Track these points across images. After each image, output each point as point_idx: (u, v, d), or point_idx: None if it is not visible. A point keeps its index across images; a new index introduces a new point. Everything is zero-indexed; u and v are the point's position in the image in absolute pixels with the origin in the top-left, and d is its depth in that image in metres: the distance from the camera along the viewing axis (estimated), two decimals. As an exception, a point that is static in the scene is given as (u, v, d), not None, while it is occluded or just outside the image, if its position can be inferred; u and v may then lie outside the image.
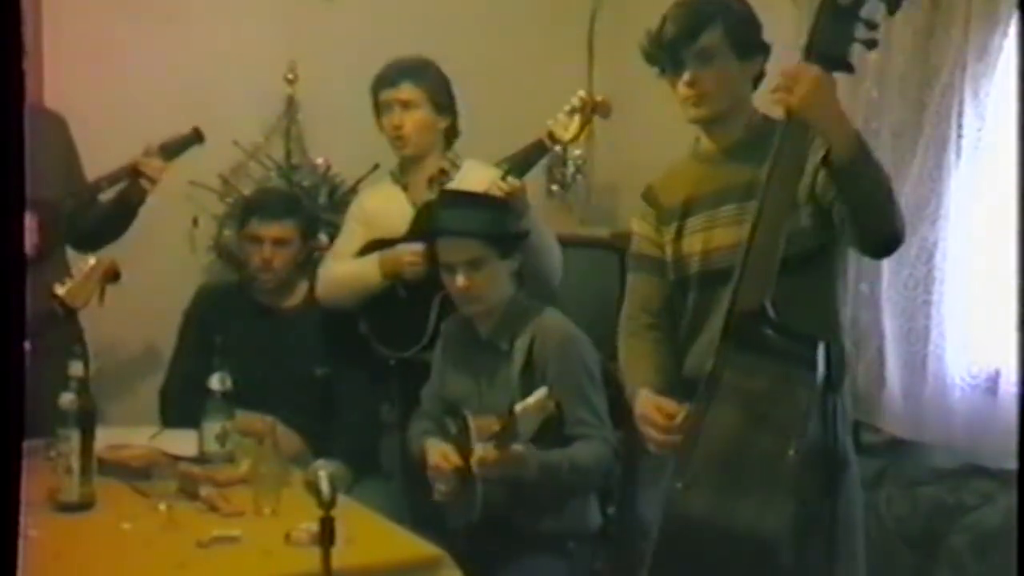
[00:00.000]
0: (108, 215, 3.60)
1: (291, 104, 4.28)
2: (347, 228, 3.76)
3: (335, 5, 4.40)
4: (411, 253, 3.44)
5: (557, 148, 3.47)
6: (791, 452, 2.18)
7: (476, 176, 3.42)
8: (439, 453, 2.97)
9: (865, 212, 2.37)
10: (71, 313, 3.02)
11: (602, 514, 3.15)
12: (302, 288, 3.75)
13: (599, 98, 3.36)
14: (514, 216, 3.16)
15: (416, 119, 3.58)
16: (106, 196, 3.62)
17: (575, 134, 3.36)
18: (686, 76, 2.57)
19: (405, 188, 3.66)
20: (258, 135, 4.26)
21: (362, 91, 3.98)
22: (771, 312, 2.28)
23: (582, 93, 3.35)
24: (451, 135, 3.69)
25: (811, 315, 2.49)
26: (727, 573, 2.27)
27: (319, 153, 4.28)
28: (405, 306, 3.53)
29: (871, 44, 2.37)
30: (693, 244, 2.65)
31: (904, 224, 2.45)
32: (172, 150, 3.64)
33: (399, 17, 4.43)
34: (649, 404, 2.56)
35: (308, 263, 3.80)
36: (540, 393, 2.76)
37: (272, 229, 3.62)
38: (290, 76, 4.25)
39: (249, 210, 3.74)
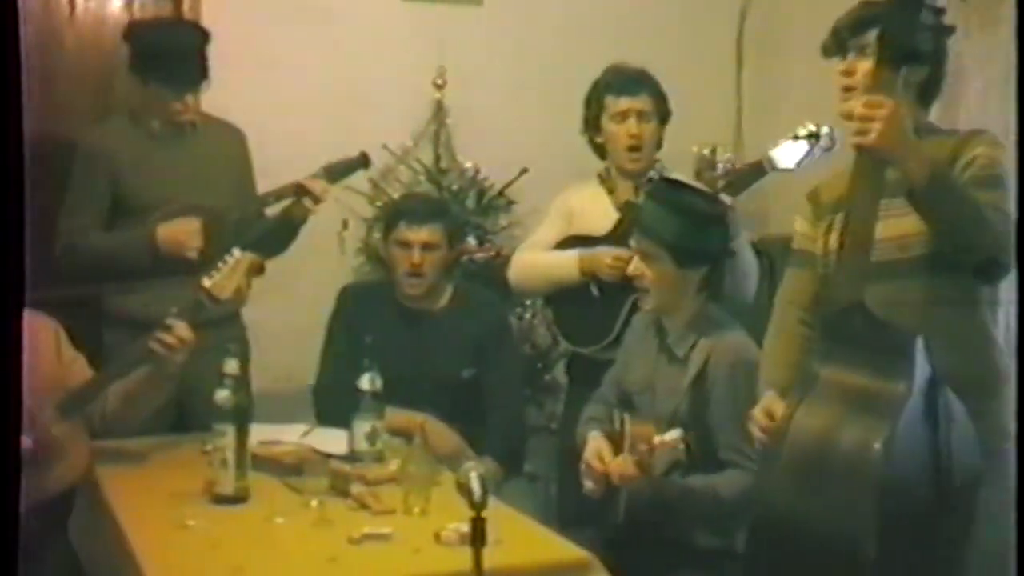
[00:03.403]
0: (272, 229, 3.66)
1: (440, 109, 4.32)
2: (549, 221, 3.78)
3: (484, 10, 4.43)
4: (613, 257, 3.46)
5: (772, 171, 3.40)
6: (876, 445, 2.14)
7: None
8: (595, 451, 2.95)
9: (948, 236, 2.38)
10: (219, 305, 3.09)
11: None
12: (447, 291, 3.72)
13: (824, 129, 3.28)
14: (715, 233, 3.07)
15: (650, 129, 3.62)
16: (271, 211, 3.69)
17: (796, 162, 3.30)
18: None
19: (611, 191, 3.68)
20: (407, 139, 4.32)
21: (511, 95, 3.99)
22: (868, 308, 2.26)
23: (811, 125, 3.29)
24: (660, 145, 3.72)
25: (956, 318, 2.47)
26: (813, 571, 2.23)
27: (468, 157, 4.32)
28: (596, 304, 3.56)
29: (945, 31, 2.31)
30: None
31: (1009, 251, 2.37)
32: (337, 172, 3.70)
33: (547, 22, 4.45)
34: (760, 406, 2.59)
35: (455, 267, 3.81)
36: (674, 434, 2.75)
37: (421, 233, 3.58)
38: (439, 81, 4.30)
39: (398, 214, 3.70)
